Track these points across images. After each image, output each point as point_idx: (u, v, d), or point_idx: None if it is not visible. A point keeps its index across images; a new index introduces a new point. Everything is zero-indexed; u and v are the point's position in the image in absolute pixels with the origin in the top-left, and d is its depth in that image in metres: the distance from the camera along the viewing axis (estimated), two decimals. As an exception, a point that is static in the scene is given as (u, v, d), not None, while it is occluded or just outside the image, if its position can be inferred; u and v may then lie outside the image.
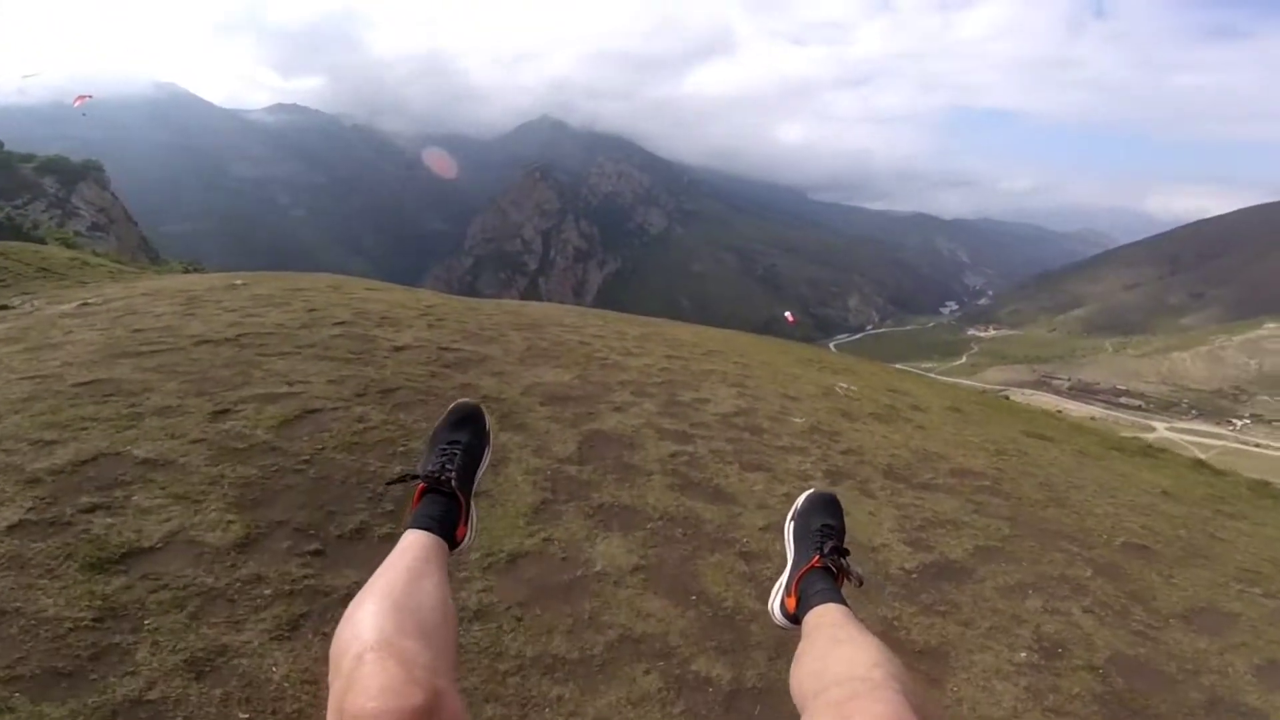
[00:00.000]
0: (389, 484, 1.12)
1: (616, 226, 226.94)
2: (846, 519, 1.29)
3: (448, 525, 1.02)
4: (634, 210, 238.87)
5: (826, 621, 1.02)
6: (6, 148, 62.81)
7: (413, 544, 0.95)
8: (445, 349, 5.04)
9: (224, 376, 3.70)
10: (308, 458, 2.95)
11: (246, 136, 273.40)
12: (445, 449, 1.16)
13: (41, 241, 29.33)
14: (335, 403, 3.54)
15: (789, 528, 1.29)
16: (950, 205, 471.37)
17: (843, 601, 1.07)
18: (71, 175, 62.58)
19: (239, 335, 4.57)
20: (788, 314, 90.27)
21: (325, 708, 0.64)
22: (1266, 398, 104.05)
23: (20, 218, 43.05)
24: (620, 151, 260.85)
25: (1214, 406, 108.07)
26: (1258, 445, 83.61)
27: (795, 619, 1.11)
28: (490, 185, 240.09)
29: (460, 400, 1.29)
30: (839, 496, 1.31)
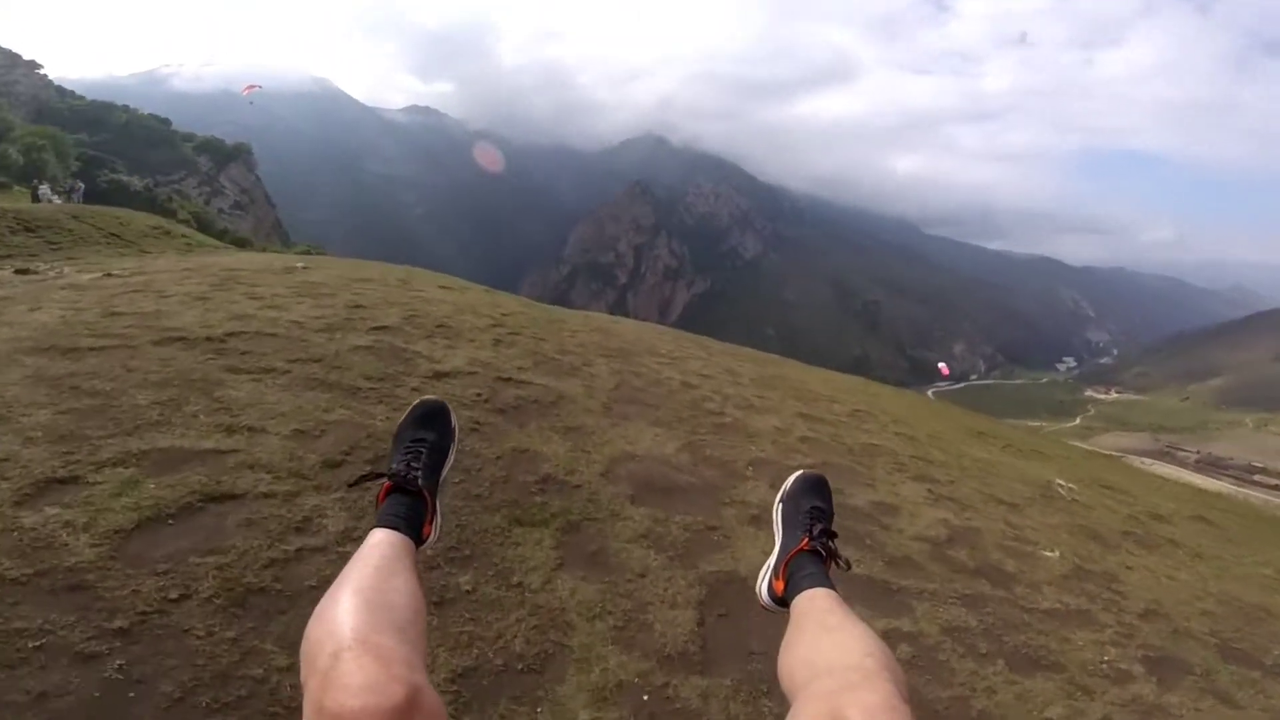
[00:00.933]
0: (352, 484, 1.11)
1: (709, 248, 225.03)
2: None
3: (415, 524, 1.02)
4: (729, 233, 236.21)
5: (816, 607, 1.02)
6: (175, 127, 69.56)
7: (381, 542, 0.95)
8: (506, 379, 3.57)
9: (137, 405, 2.36)
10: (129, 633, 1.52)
11: (382, 134, 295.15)
12: (410, 447, 1.15)
13: (173, 214, 31.46)
14: (279, 479, 2.10)
15: (777, 510, 1.28)
16: (1079, 252, 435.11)
17: (832, 585, 1.07)
18: (223, 156, 67.74)
19: (227, 335, 3.29)
20: (942, 366, 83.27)
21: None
22: None
23: (163, 192, 46.87)
24: (720, 172, 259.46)
25: None
26: None
27: (783, 602, 1.11)
28: (591, 198, 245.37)
29: (425, 397, 1.26)
30: (828, 477, 1.29)
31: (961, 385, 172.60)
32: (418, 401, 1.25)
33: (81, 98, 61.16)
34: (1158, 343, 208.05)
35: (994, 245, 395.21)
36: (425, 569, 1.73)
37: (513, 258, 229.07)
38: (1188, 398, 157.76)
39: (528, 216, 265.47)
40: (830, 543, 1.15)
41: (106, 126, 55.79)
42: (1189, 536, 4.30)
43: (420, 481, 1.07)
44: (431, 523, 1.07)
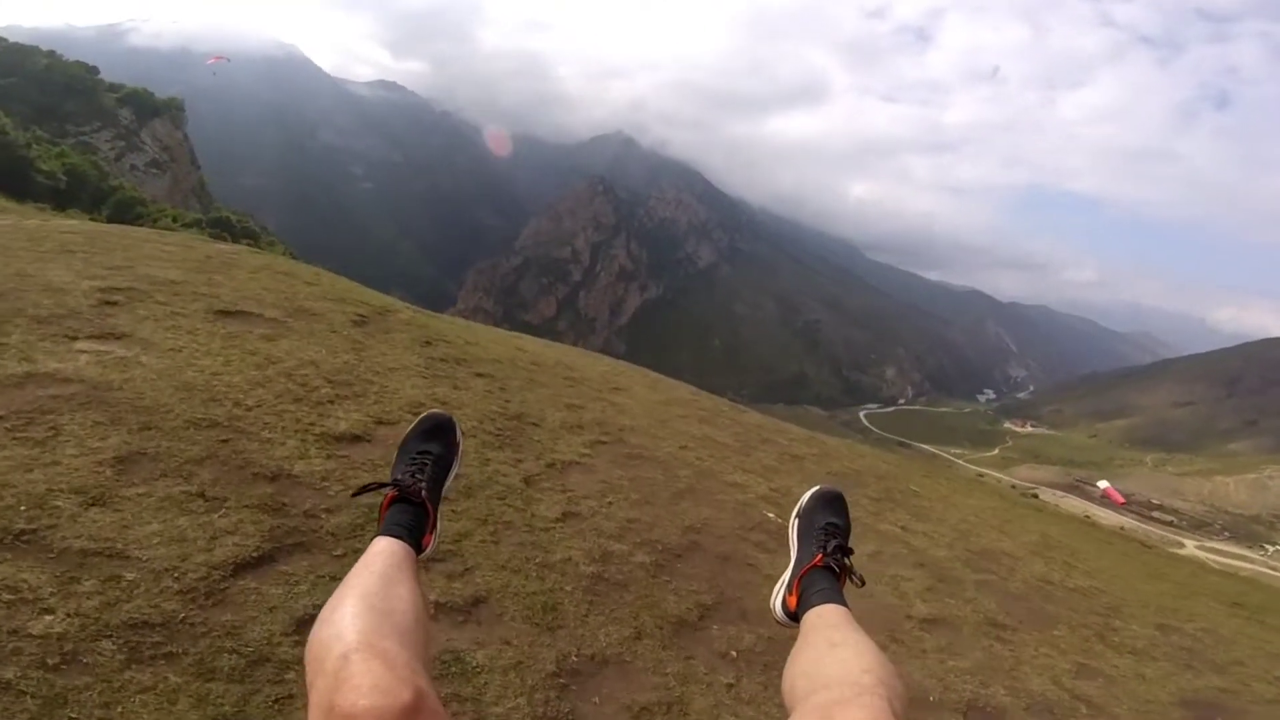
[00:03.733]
0: (356, 494, 1.16)
1: (666, 253, 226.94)
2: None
3: (416, 533, 1.05)
4: (686, 240, 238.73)
5: (824, 622, 1.02)
6: (131, 86, 64.59)
7: (384, 550, 0.97)
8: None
9: None
10: None
11: (341, 106, 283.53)
12: (415, 459, 1.17)
13: (30, 165, 29.21)
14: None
15: (793, 525, 1.30)
16: (1007, 287, 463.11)
17: (843, 602, 1.08)
18: (148, 110, 63.22)
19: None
20: (1105, 485, 76.51)
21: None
22: None
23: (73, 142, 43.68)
24: (684, 179, 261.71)
25: (1248, 530, 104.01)
26: (1287, 570, 79.47)
27: (795, 617, 1.12)
28: (552, 191, 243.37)
29: (431, 410, 1.30)
30: (843, 493, 1.32)
31: (891, 409, 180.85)
32: (424, 414, 1.27)
33: (3, 39, 56.45)
34: (1071, 381, 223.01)
35: (932, 275, 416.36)
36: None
37: (463, 244, 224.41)
38: (1095, 435, 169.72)
39: (484, 204, 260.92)
40: (844, 559, 1.16)
41: (20, 72, 51.85)
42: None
43: (424, 493, 1.10)
44: (432, 533, 1.10)
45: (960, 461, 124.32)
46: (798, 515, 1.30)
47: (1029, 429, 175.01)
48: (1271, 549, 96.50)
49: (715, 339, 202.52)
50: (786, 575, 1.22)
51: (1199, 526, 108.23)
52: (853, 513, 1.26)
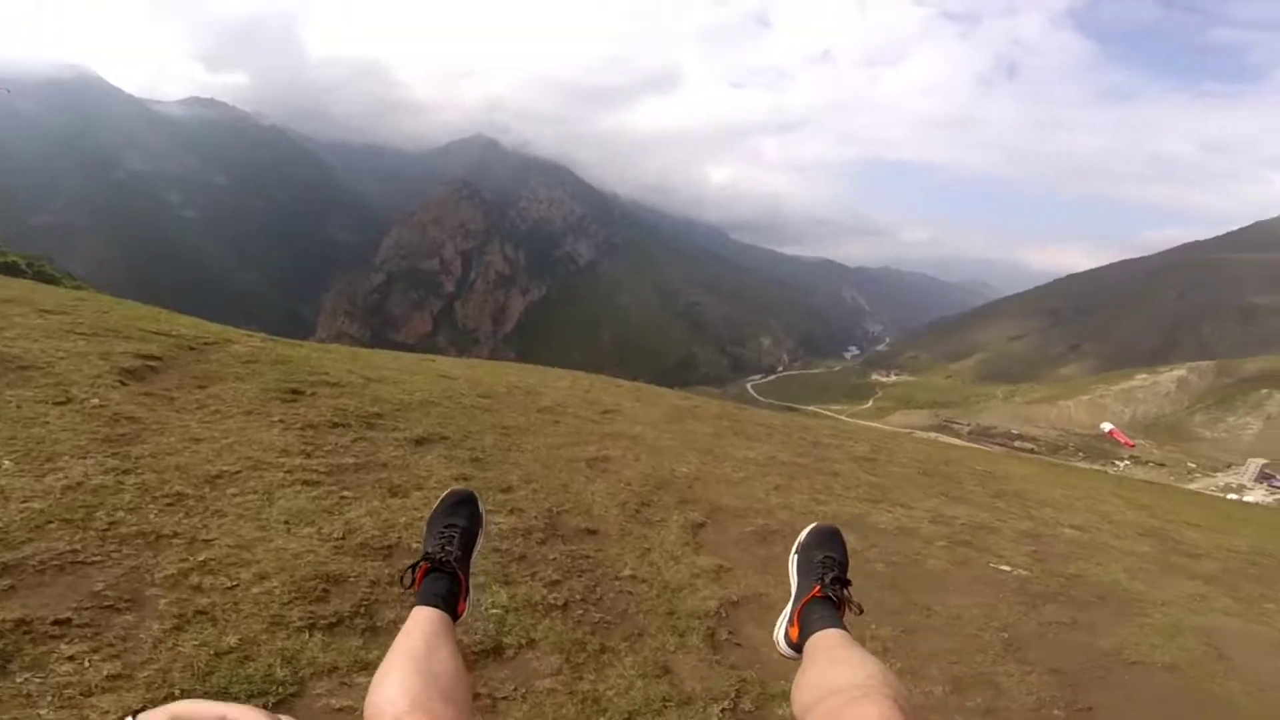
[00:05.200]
0: (402, 575, 1.18)
1: (544, 254, 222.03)
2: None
3: (451, 601, 1.11)
4: (563, 238, 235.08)
5: (825, 645, 1.06)
6: None
7: (425, 618, 1.03)
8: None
9: None
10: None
11: (150, 128, 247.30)
12: (444, 532, 1.24)
13: None
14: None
15: (793, 561, 1.34)
16: (855, 253, 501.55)
17: (844, 627, 1.12)
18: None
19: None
20: (1109, 428, 76.33)
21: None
22: (1142, 441, 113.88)
23: None
24: (554, 177, 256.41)
25: (1098, 450, 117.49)
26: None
27: (798, 648, 1.15)
28: (407, 200, 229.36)
29: (455, 487, 1.38)
30: (840, 529, 1.38)
31: (774, 377, 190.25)
32: (448, 491, 1.36)
33: None
34: (920, 330, 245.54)
35: (788, 249, 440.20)
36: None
37: (315, 266, 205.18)
38: (950, 375, 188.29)
39: (333, 220, 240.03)
40: (843, 590, 1.20)
41: None
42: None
43: (455, 562, 1.17)
44: (465, 599, 1.16)
45: (842, 417, 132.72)
46: (796, 551, 1.34)
47: (894, 377, 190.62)
48: (1121, 465, 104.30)
49: (604, 333, 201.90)
50: (788, 609, 1.26)
51: (1055, 450, 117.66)
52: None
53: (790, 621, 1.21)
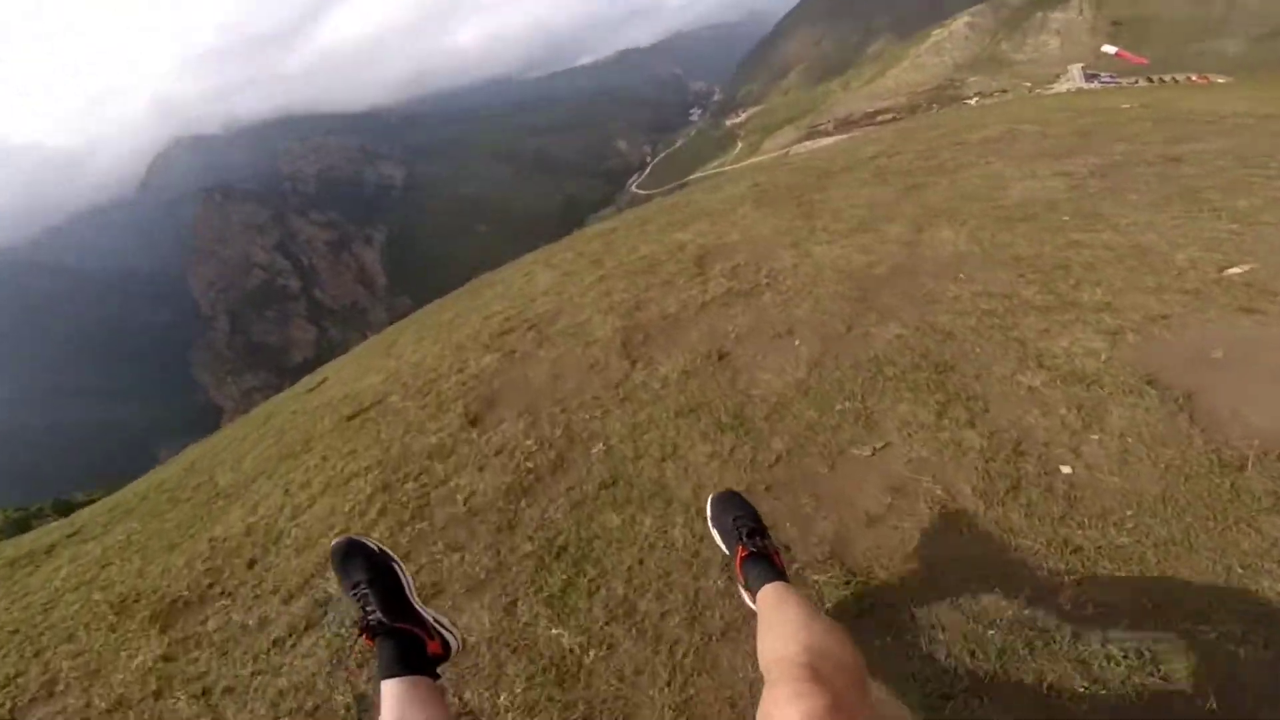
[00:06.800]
0: (352, 654, 1.13)
1: (355, 199, 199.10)
2: None
3: (412, 658, 1.02)
4: (362, 174, 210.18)
5: (764, 604, 1.11)
6: None
7: (389, 694, 0.98)
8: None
9: None
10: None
11: None
12: (355, 595, 1.13)
13: None
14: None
15: (714, 533, 1.46)
16: (641, 34, 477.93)
17: (778, 576, 1.20)
18: None
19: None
20: (1113, 50, 68.52)
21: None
22: (975, 78, 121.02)
23: None
24: (298, 129, 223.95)
25: (945, 98, 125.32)
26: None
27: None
28: (166, 245, 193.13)
29: (333, 543, 1.22)
30: (737, 489, 1.51)
31: (649, 170, 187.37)
32: (330, 549, 1.23)
33: None
34: (736, 70, 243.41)
35: (585, 61, 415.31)
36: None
37: (152, 358, 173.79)
38: (787, 91, 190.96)
39: (134, 312, 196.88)
40: (763, 541, 1.30)
41: None
42: None
43: (386, 621, 1.06)
44: (433, 638, 1.08)
45: (731, 168, 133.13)
46: (712, 524, 1.46)
47: (744, 116, 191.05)
48: (974, 101, 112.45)
49: (478, 225, 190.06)
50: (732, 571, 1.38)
51: (913, 110, 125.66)
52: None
53: (739, 584, 1.31)
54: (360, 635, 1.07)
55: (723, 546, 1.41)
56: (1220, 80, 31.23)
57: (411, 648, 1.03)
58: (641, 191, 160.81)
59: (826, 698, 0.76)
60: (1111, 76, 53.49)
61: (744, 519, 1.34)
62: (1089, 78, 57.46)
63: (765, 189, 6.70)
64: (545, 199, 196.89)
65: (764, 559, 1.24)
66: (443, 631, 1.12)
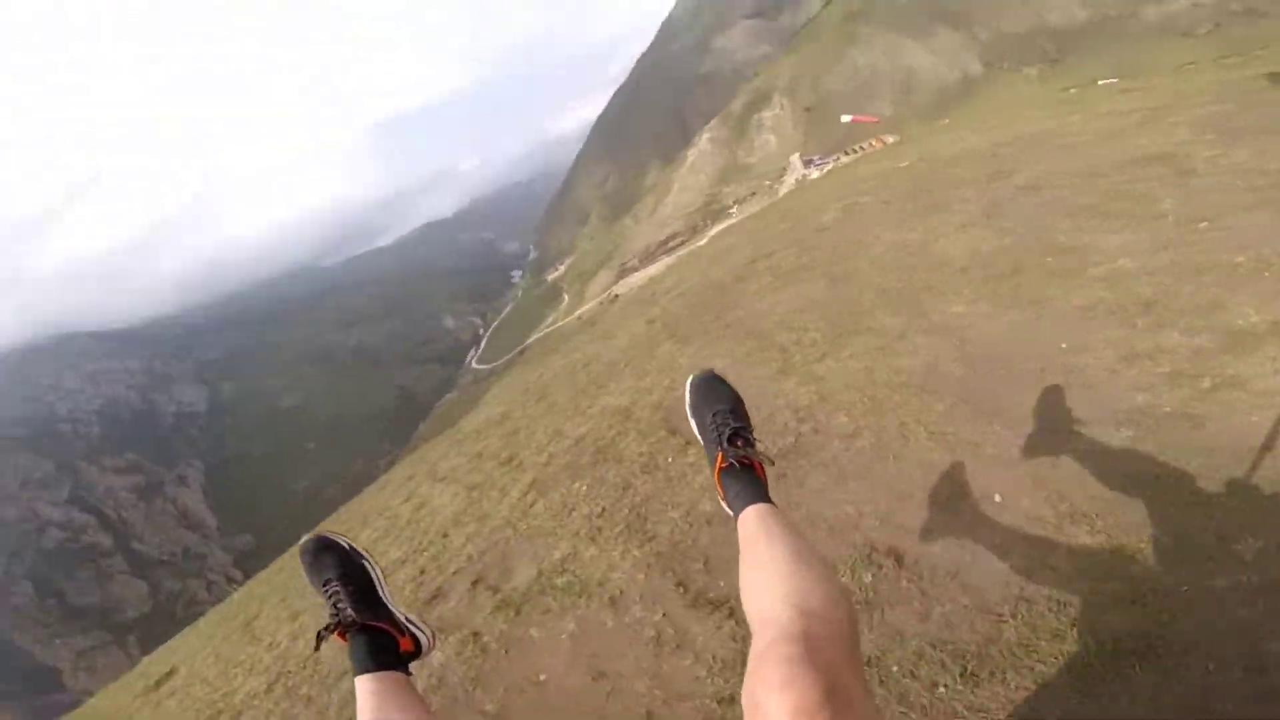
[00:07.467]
0: (316, 648, 1.08)
1: (150, 434, 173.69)
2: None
3: (385, 655, 1.04)
4: (154, 403, 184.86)
5: (745, 532, 0.99)
6: None
7: (364, 691, 0.99)
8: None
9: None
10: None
11: None
12: (326, 593, 1.14)
13: None
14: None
15: (692, 424, 1.23)
16: (440, 206, 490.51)
17: (760, 497, 1.03)
18: None
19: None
20: (848, 118, 67.98)
21: None
22: (729, 188, 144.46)
23: None
24: (64, 354, 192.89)
25: (713, 212, 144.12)
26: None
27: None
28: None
29: (303, 541, 1.22)
30: (718, 371, 1.23)
31: (484, 343, 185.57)
32: (299, 548, 1.22)
33: None
34: (541, 224, 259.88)
35: (386, 240, 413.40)
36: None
37: None
38: (592, 237, 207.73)
39: None
40: (746, 448, 1.09)
41: None
42: None
43: (358, 618, 1.07)
44: (404, 634, 1.09)
45: (565, 321, 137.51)
46: (690, 414, 1.23)
47: (563, 268, 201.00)
48: (734, 210, 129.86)
49: (299, 437, 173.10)
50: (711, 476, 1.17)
51: (694, 231, 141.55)
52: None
53: (719, 494, 1.12)
54: (332, 632, 1.07)
55: (702, 443, 1.20)
56: (890, 140, 35.34)
57: (384, 645, 1.04)
58: (483, 367, 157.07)
59: (822, 682, 0.68)
60: (822, 157, 57.66)
61: (725, 415, 1.15)
62: (807, 164, 59.45)
63: (667, 321, 5.98)
64: (376, 397, 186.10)
65: (746, 472, 1.07)
66: (414, 629, 1.12)
